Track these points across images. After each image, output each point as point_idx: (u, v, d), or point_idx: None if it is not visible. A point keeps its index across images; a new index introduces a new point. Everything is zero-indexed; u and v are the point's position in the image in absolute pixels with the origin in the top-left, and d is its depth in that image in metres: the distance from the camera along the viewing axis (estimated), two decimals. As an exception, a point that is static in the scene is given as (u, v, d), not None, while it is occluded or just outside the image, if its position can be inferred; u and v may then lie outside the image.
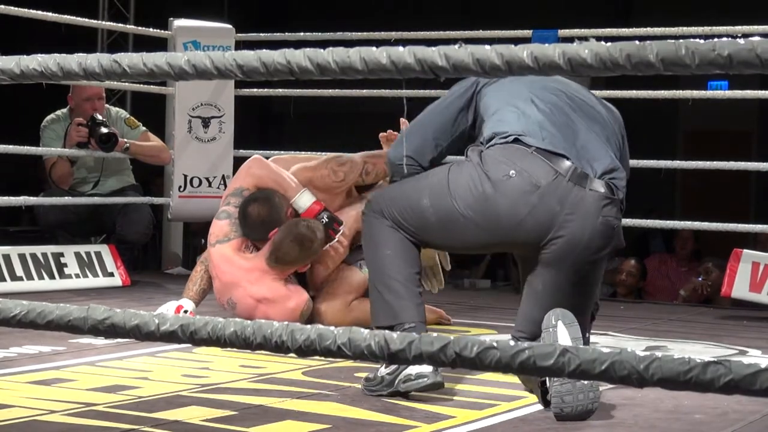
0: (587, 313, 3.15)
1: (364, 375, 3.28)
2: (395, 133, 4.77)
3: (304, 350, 1.44)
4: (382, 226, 3.17)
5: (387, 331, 1.44)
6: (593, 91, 3.52)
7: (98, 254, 5.57)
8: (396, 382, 3.04)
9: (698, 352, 4.04)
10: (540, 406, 2.93)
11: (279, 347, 1.46)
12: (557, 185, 3.01)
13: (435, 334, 1.42)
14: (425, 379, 2.99)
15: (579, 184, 3.01)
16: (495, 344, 1.39)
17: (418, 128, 3.32)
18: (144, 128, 6.00)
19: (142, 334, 1.52)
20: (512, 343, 1.38)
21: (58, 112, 5.92)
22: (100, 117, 5.69)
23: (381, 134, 4.71)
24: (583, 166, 3.05)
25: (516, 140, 3.10)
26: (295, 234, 4.04)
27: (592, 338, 3.55)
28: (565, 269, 3.02)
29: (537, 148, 3.06)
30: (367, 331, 1.45)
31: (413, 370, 3.00)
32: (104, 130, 5.63)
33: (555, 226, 3.01)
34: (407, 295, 3.11)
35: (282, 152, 6.77)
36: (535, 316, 3.01)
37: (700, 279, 6.55)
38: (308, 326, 1.47)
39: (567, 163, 3.03)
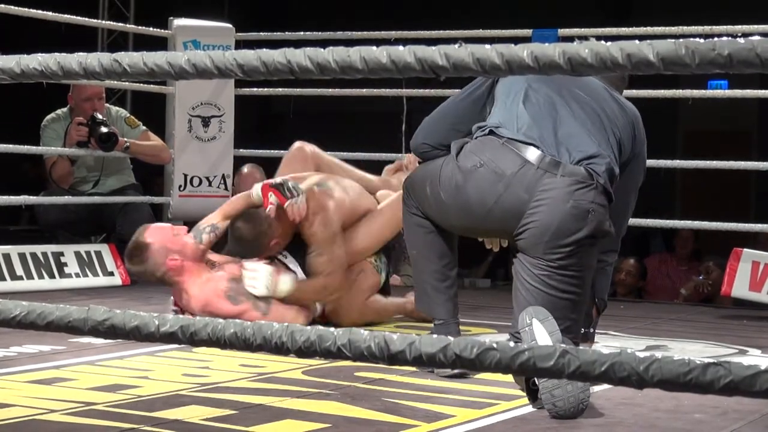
0: (582, 304, 3.18)
1: (364, 375, 3.29)
2: (403, 162, 4.79)
3: (304, 351, 1.44)
4: (410, 221, 3.47)
5: (387, 333, 1.44)
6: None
7: (98, 253, 5.56)
8: None
9: (698, 351, 4.04)
10: (540, 406, 2.93)
11: (279, 348, 1.45)
12: (524, 174, 3.12)
13: (435, 336, 1.42)
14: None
15: (549, 171, 3.11)
16: (495, 345, 1.39)
17: (438, 116, 3.50)
18: (144, 127, 6.01)
19: (141, 335, 1.52)
20: (512, 344, 1.38)
21: (59, 112, 5.92)
22: (100, 116, 5.69)
23: (387, 167, 4.78)
24: (559, 154, 3.13)
25: (491, 132, 3.24)
26: (245, 213, 4.19)
27: (592, 338, 3.56)
28: (541, 255, 3.09)
29: (508, 139, 3.19)
30: (366, 332, 1.45)
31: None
32: (104, 129, 5.63)
33: (524, 213, 3.12)
34: (433, 293, 3.43)
35: (282, 152, 6.79)
36: (524, 304, 3.08)
37: (701, 278, 6.55)
38: (308, 327, 1.46)
39: (536, 152, 3.13)
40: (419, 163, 3.60)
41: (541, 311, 2.88)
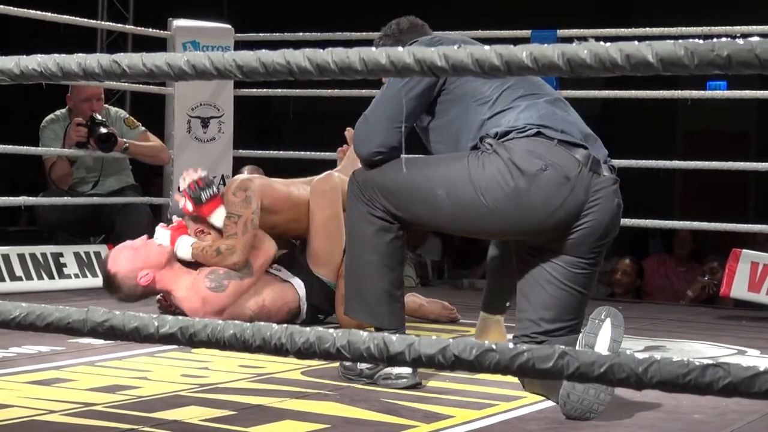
0: (590, 295, 3.21)
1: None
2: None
3: (303, 353, 1.44)
4: (371, 227, 3.21)
5: (386, 334, 1.44)
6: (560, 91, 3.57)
7: (97, 254, 5.56)
8: (375, 377, 3.21)
9: (697, 351, 4.04)
10: (538, 407, 2.94)
11: (278, 350, 1.45)
12: (583, 175, 3.09)
13: (434, 336, 1.42)
14: (404, 380, 3.17)
15: (596, 171, 3.11)
16: (494, 347, 1.39)
17: (385, 119, 3.26)
18: (143, 128, 6.01)
19: (141, 337, 1.52)
20: (511, 345, 1.38)
21: (57, 113, 5.92)
22: (99, 117, 5.70)
23: (339, 150, 4.74)
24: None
25: (538, 133, 3.12)
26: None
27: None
28: (584, 254, 3.11)
29: (558, 141, 3.10)
30: (366, 333, 1.44)
31: (393, 370, 3.17)
32: (103, 130, 5.63)
33: (581, 214, 3.09)
34: (389, 302, 3.24)
35: (282, 152, 6.79)
36: (550, 303, 3.10)
37: (706, 278, 6.56)
38: (307, 329, 1.47)
39: (584, 152, 3.11)
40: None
41: (619, 317, 2.89)
